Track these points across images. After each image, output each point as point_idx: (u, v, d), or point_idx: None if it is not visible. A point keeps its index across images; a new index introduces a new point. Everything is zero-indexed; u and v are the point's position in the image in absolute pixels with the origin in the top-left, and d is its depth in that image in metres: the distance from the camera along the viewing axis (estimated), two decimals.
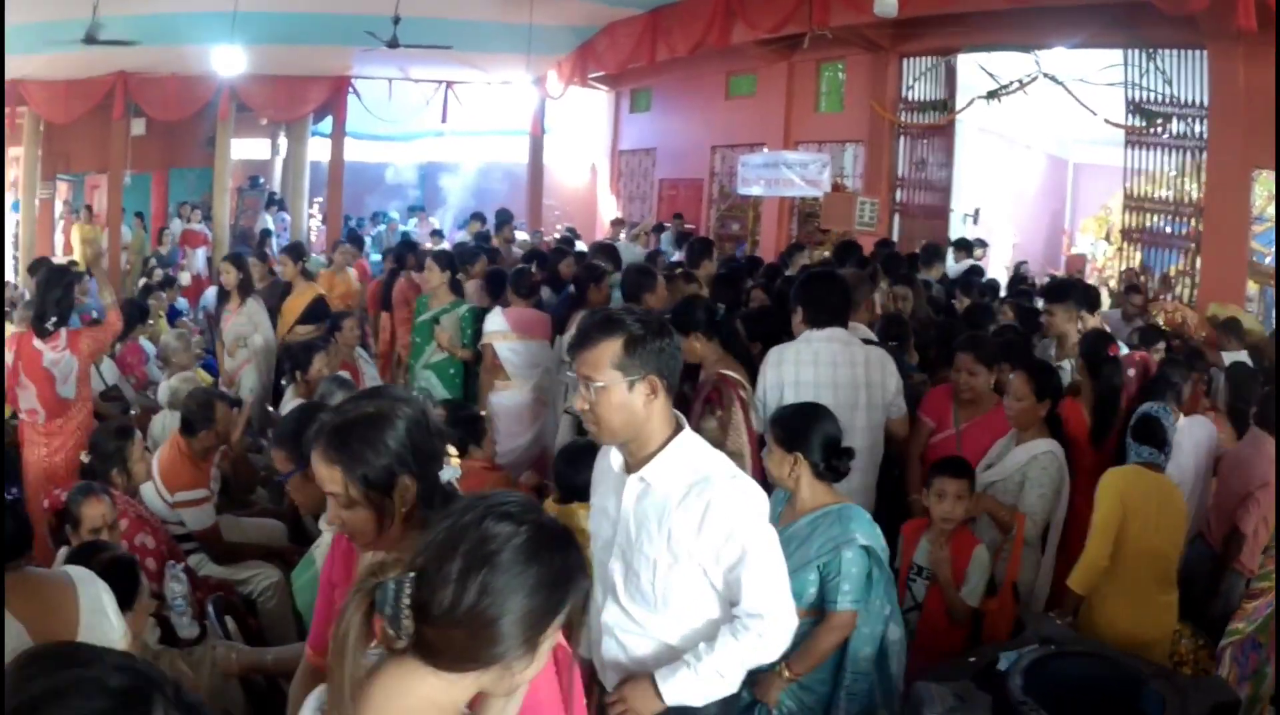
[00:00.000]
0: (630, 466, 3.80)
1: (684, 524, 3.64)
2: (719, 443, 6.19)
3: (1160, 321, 12.12)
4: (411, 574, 2.19)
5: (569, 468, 5.69)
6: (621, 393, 3.61)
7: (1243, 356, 9.93)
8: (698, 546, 3.64)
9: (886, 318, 8.96)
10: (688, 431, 3.79)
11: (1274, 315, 13.07)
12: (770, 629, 3.71)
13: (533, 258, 12.69)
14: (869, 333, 7.62)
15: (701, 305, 7.15)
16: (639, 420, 3.68)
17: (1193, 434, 7.42)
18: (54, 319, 8.04)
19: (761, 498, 3.76)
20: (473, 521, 2.27)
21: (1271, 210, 13.50)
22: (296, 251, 12.11)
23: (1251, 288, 13.49)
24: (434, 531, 2.29)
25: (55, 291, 8.12)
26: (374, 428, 2.97)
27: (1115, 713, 4.53)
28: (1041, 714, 4.16)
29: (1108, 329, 9.48)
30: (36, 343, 7.99)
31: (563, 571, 2.31)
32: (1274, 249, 13.22)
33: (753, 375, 6.75)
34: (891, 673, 4.86)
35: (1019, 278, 15.86)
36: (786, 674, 4.56)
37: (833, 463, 4.80)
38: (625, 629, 3.90)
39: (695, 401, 6.88)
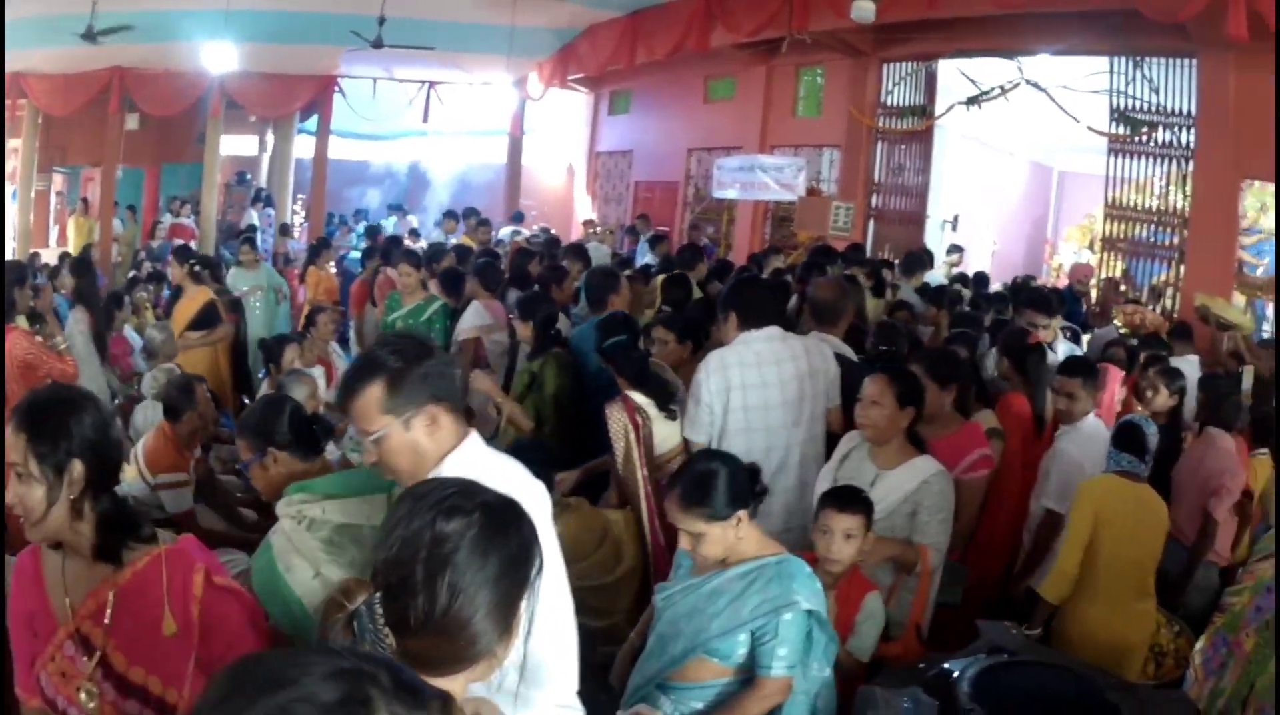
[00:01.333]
0: None
1: None
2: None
3: (1119, 322, 12.20)
4: (378, 593, 2.17)
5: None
6: (400, 435, 3.26)
7: (1193, 361, 9.64)
8: None
9: (880, 326, 8.64)
10: (464, 446, 3.37)
11: (1271, 326, 12.91)
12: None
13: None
14: (844, 347, 7.28)
15: (618, 325, 7.28)
16: (428, 455, 3.30)
17: None
18: None
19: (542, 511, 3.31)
20: (424, 525, 2.22)
21: (1264, 222, 13.36)
22: (183, 254, 11.86)
23: (1239, 299, 13.12)
24: (386, 541, 2.26)
25: None
26: (65, 410, 2.94)
27: None
28: None
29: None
30: None
31: (520, 549, 2.31)
32: (1267, 260, 13.07)
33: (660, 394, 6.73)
34: None
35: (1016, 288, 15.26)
36: None
37: (756, 495, 4.24)
38: None
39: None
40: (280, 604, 3.54)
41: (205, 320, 10.86)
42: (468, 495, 2.32)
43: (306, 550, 3.60)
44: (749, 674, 4.05)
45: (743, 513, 4.08)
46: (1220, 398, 7.72)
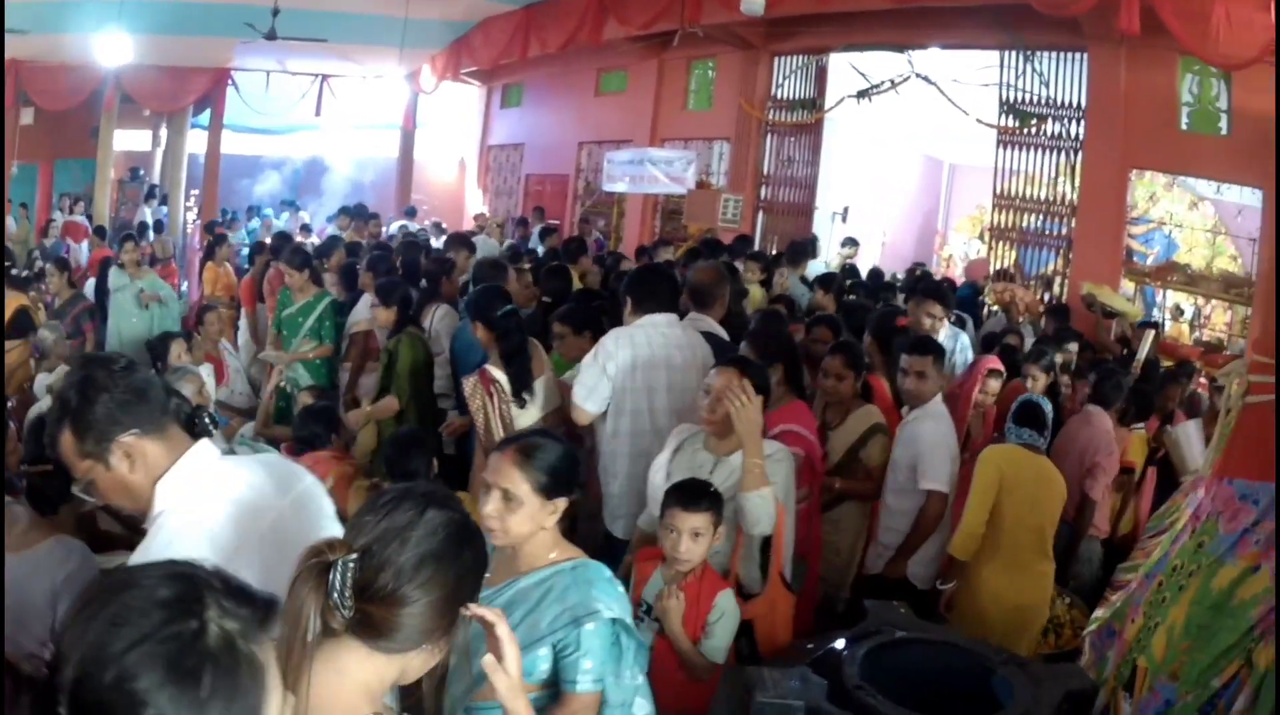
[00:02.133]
0: None
1: None
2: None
3: (990, 300, 12.44)
4: (355, 555, 2.27)
5: (399, 455, 5.90)
6: (105, 476, 2.97)
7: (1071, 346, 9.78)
8: None
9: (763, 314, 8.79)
10: (180, 464, 3.04)
11: (1160, 311, 13.36)
12: None
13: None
14: (717, 327, 7.35)
15: (498, 298, 7.10)
16: (139, 486, 3.00)
17: None
18: None
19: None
20: (414, 508, 2.38)
21: (1154, 212, 13.95)
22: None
23: (1128, 286, 13.44)
24: (373, 516, 2.38)
25: None
26: None
27: (964, 701, 4.24)
28: (877, 698, 3.92)
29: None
30: None
31: (480, 557, 2.51)
32: (1157, 249, 13.56)
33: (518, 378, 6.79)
34: None
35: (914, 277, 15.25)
36: None
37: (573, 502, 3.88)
38: None
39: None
40: None
41: (16, 329, 10.49)
42: (451, 498, 2.52)
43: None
44: (554, 689, 3.59)
45: (561, 503, 3.71)
46: (1107, 376, 8.25)
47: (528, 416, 6.72)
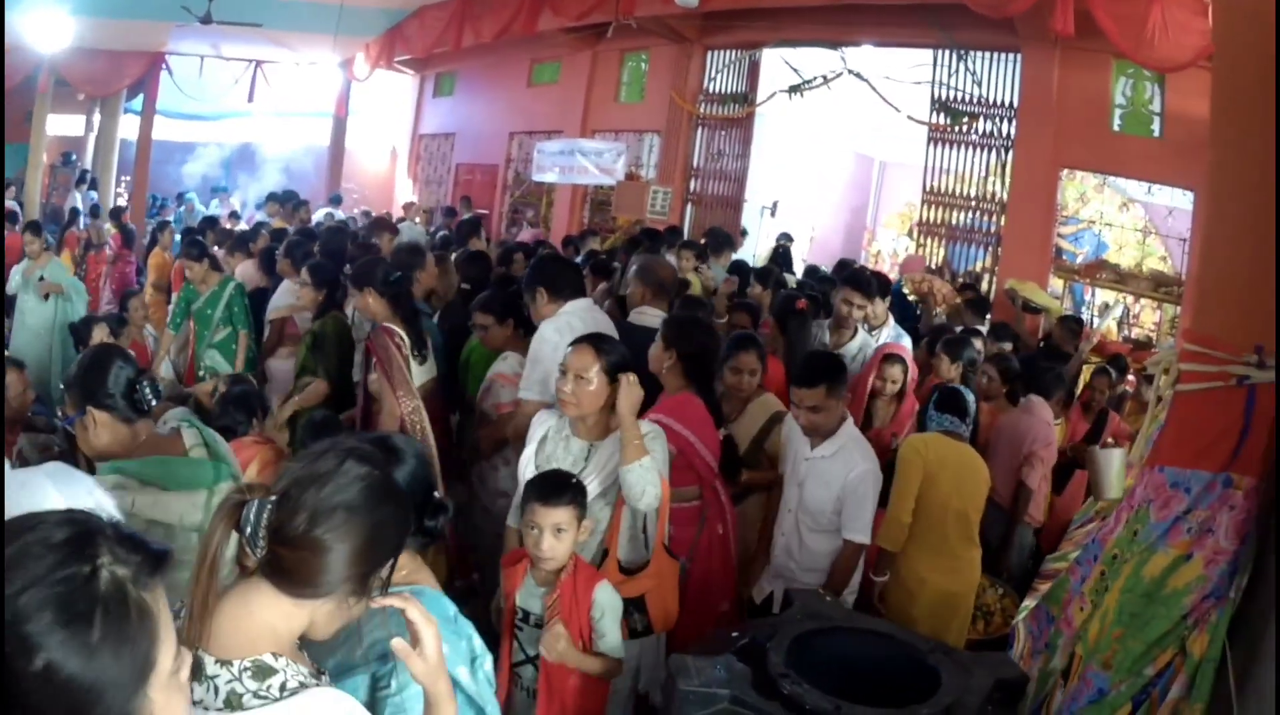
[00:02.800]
0: None
1: None
2: (381, 395, 6.48)
3: (907, 291, 12.28)
4: (273, 497, 2.31)
5: (315, 438, 5.41)
6: None
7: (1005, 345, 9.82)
8: None
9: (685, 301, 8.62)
10: None
11: (1089, 309, 13.45)
12: None
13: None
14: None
15: (380, 265, 7.22)
16: None
17: None
18: None
19: None
20: (335, 459, 2.39)
21: (1085, 212, 13.84)
22: None
23: (1057, 284, 13.55)
24: (297, 462, 2.43)
25: None
26: None
27: (892, 690, 4.05)
28: (803, 685, 3.84)
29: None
30: None
31: (402, 521, 2.50)
32: (1087, 248, 13.53)
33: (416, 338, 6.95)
34: None
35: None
36: None
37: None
38: None
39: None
40: None
41: None
42: (378, 460, 2.49)
43: None
44: None
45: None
46: (1040, 371, 8.47)
47: (421, 374, 6.90)
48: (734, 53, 17.33)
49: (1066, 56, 12.78)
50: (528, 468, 5.10)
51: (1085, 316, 12.81)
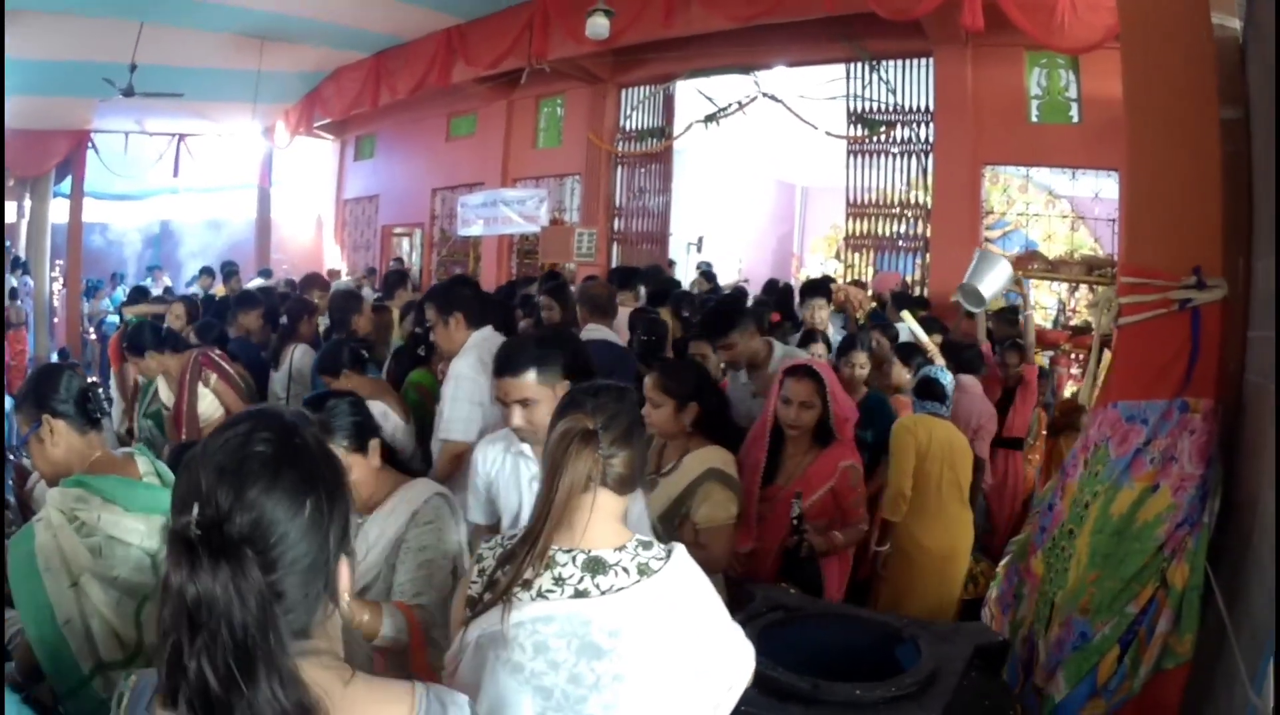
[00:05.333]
0: None
1: None
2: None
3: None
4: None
5: None
6: None
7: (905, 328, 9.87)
8: None
9: (648, 319, 8.82)
10: None
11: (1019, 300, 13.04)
12: None
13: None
14: (613, 335, 7.82)
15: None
16: None
17: None
18: None
19: None
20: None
21: (1010, 214, 13.95)
22: None
23: None
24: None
25: None
26: None
27: (872, 668, 3.90)
28: (779, 670, 3.67)
29: None
30: None
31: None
32: (1015, 250, 13.24)
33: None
34: None
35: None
36: None
37: None
38: None
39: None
40: (29, 600, 3.37)
41: None
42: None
43: (70, 554, 3.40)
44: None
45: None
46: (960, 350, 8.92)
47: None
48: (648, 88, 17.12)
49: (979, 54, 12.76)
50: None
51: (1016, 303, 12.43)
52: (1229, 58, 4.91)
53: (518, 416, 4.21)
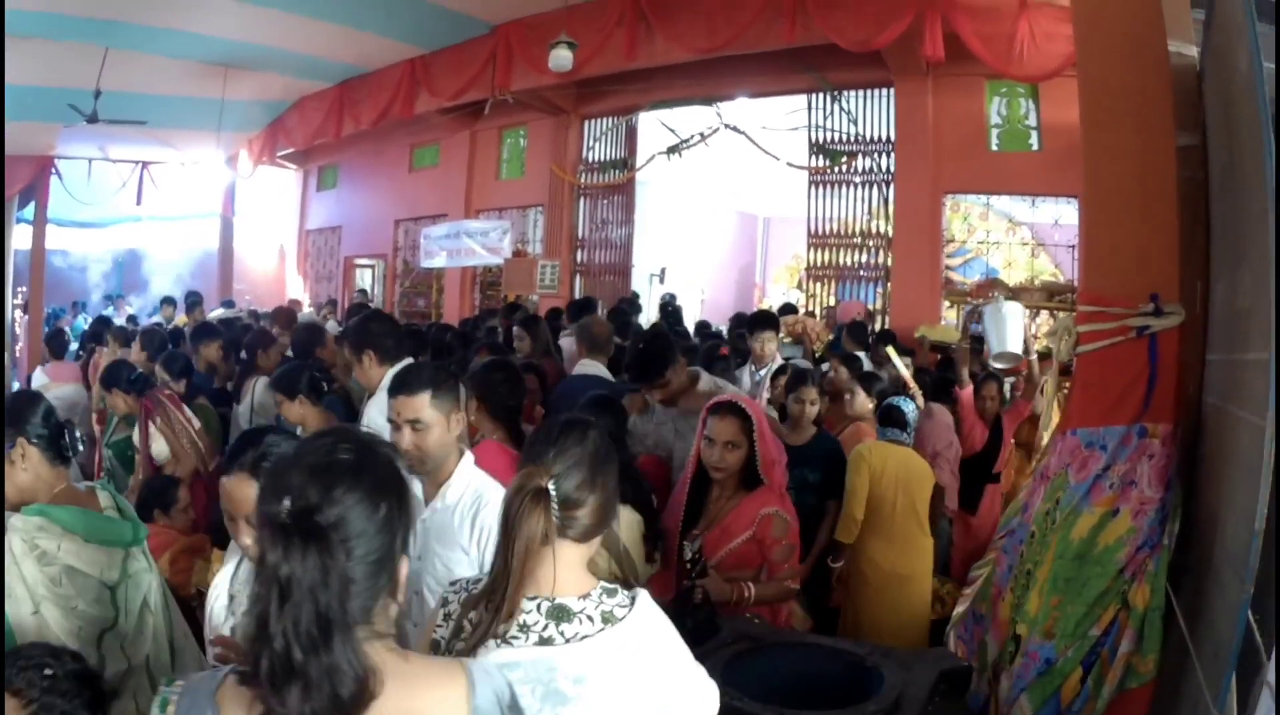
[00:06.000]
0: None
1: None
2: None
3: (782, 333, 11.87)
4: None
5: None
6: None
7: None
8: None
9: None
10: None
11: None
12: None
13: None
14: (604, 370, 7.77)
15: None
16: None
17: None
18: None
19: None
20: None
21: (970, 242, 13.68)
22: None
23: (950, 316, 13.39)
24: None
25: None
26: None
27: (838, 696, 3.91)
28: (744, 700, 3.64)
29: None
30: None
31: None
32: (976, 278, 13.46)
33: None
34: None
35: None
36: None
37: None
38: None
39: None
40: None
41: None
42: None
43: (30, 581, 3.39)
44: None
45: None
46: (936, 380, 9.46)
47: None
48: (610, 119, 17.12)
49: (939, 84, 12.85)
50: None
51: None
52: (1186, 85, 4.97)
53: (407, 438, 4.08)
